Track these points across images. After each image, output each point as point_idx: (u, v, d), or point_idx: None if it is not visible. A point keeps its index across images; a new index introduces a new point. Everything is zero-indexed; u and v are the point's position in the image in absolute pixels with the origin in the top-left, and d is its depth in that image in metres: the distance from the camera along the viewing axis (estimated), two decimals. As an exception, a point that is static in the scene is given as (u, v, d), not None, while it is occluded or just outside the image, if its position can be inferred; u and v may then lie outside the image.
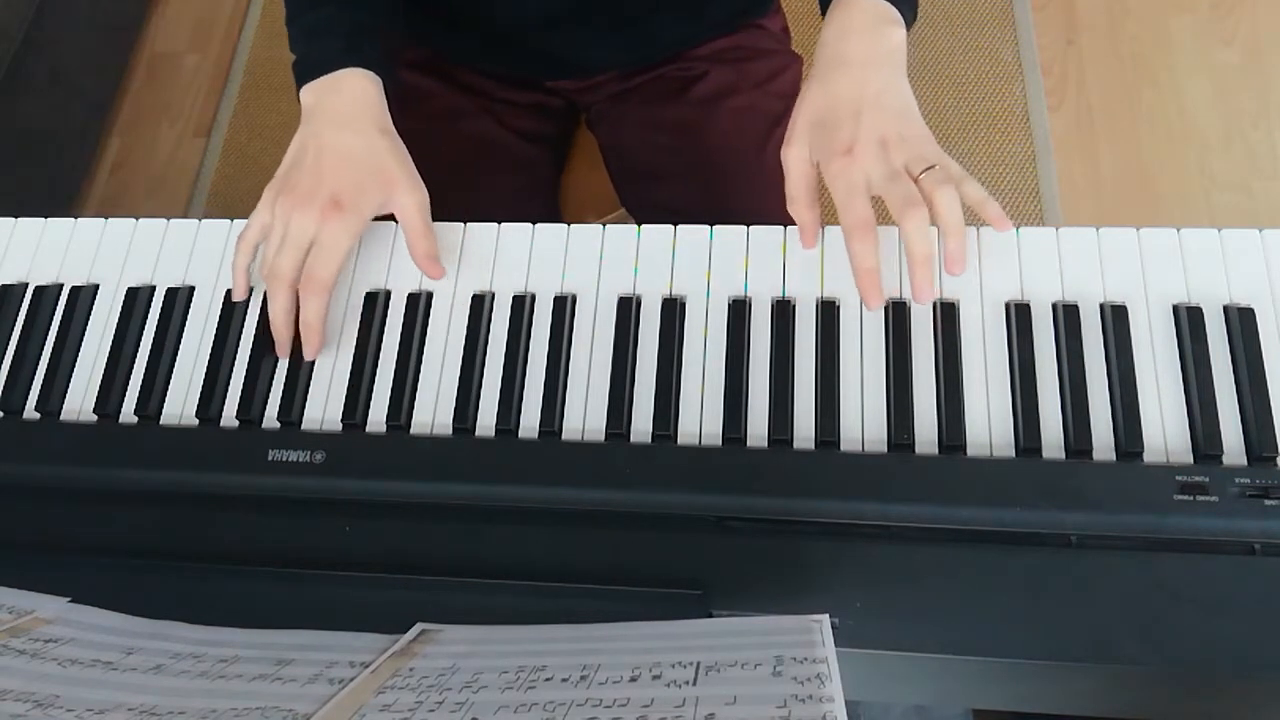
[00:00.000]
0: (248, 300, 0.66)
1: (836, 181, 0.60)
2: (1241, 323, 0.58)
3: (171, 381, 0.64)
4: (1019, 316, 0.59)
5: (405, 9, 0.87)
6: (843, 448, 0.57)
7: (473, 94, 0.89)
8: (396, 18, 0.74)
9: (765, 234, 0.65)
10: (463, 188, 0.83)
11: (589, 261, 0.64)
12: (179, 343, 0.66)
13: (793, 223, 0.65)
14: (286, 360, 0.63)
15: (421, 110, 0.89)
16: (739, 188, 0.87)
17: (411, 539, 0.56)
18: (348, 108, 0.66)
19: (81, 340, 0.67)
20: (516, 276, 0.65)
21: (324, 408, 0.62)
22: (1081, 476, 0.54)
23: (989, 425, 0.57)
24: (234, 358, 0.64)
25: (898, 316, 0.60)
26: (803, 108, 0.64)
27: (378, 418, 0.61)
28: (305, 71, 0.68)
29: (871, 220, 0.59)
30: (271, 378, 0.63)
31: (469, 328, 0.63)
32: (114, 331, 0.66)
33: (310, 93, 0.68)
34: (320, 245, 0.62)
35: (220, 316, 0.66)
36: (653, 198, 0.91)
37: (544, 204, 0.92)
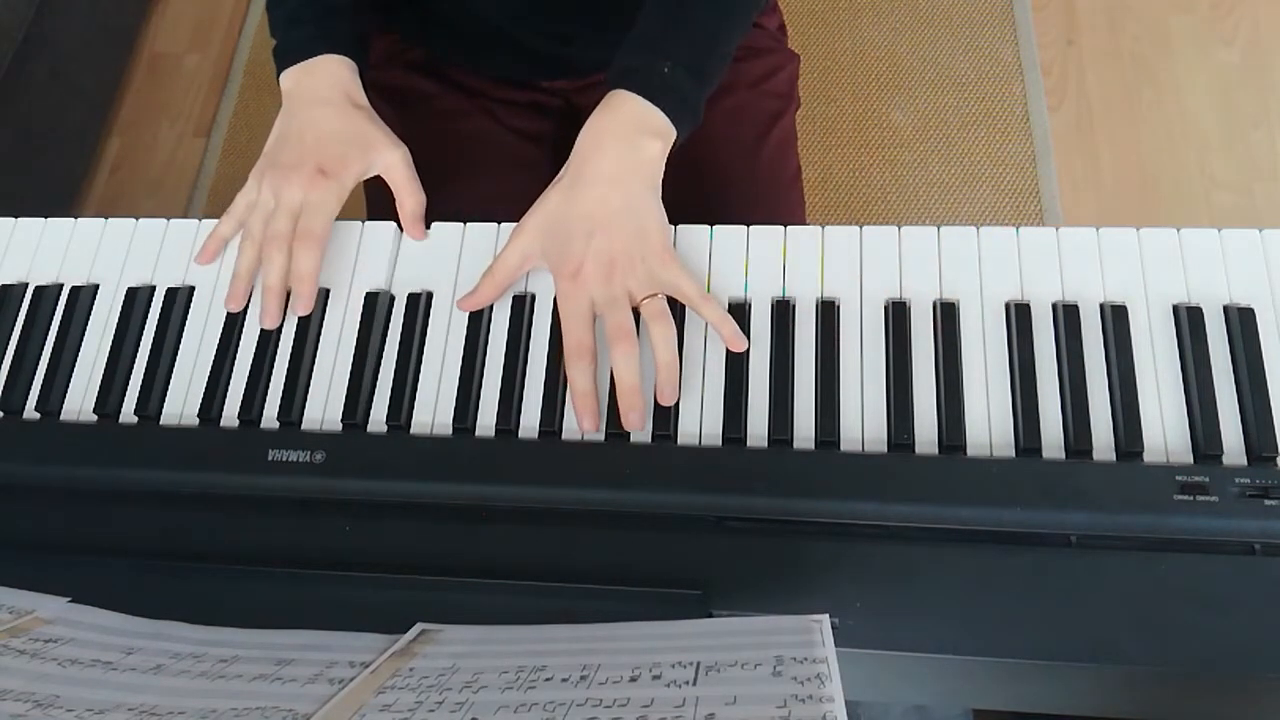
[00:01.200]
0: (248, 301, 0.66)
1: (563, 302, 0.61)
2: (1241, 323, 0.58)
3: (171, 381, 0.64)
4: (1019, 316, 0.59)
5: (400, 10, 0.87)
6: (843, 448, 0.57)
7: (471, 94, 0.89)
8: (367, 5, 0.77)
9: (765, 234, 0.65)
10: (462, 188, 0.83)
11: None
12: (179, 343, 0.66)
13: (791, 222, 0.65)
14: (276, 324, 0.64)
15: (420, 111, 0.89)
16: (735, 187, 0.87)
17: (411, 539, 0.56)
18: (323, 88, 0.70)
19: (81, 340, 0.67)
20: (516, 276, 0.65)
21: (324, 408, 0.62)
22: (1081, 476, 0.54)
23: (989, 425, 0.57)
24: (234, 357, 0.64)
25: (898, 316, 0.60)
26: (541, 208, 0.64)
27: (378, 418, 0.61)
28: (283, 58, 0.72)
29: (587, 346, 0.60)
30: (271, 378, 0.63)
31: (469, 328, 0.63)
32: (114, 331, 0.66)
33: (288, 78, 0.71)
34: (308, 206, 0.66)
35: (221, 316, 0.66)
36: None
37: None
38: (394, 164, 0.69)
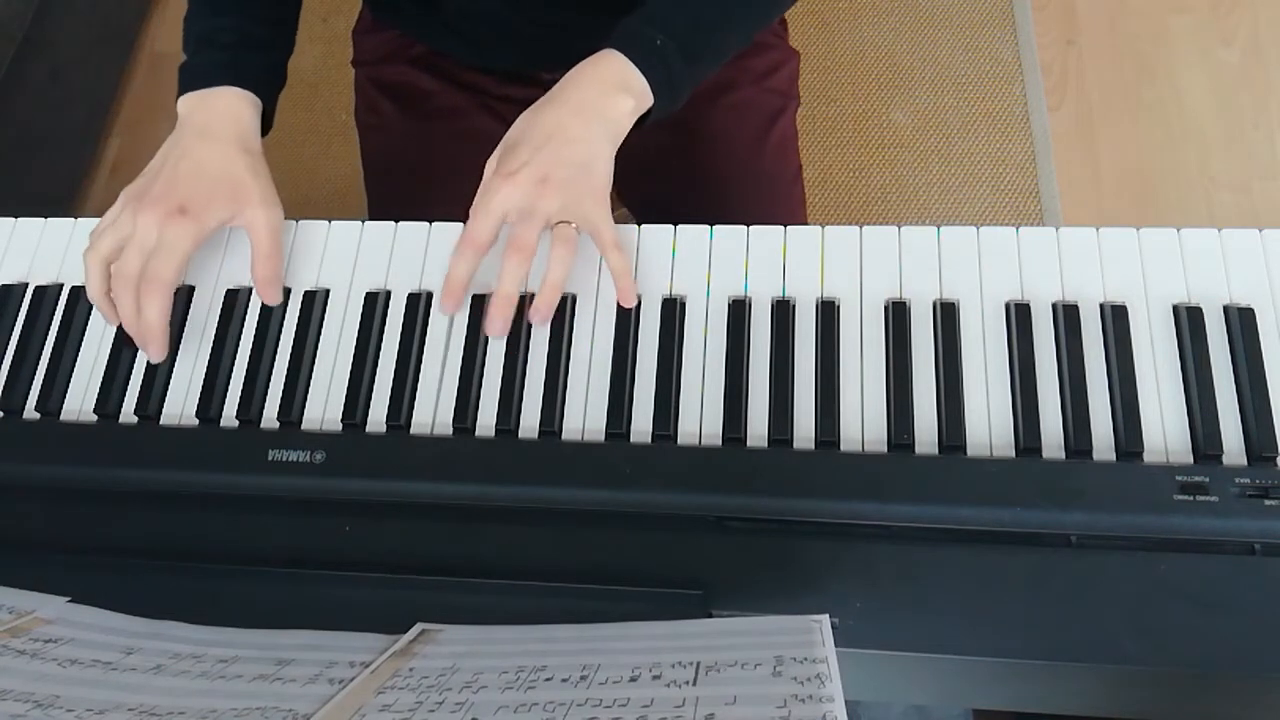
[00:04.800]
0: (247, 300, 0.66)
1: (485, 195, 0.62)
2: (1241, 323, 0.58)
3: (171, 381, 0.64)
4: (1019, 316, 0.59)
5: (401, 4, 0.86)
6: (843, 448, 0.57)
7: (471, 91, 0.89)
8: (291, 31, 0.77)
9: (765, 234, 0.65)
10: (462, 185, 0.83)
11: (588, 261, 0.64)
12: (179, 342, 0.65)
13: (792, 221, 0.65)
14: (161, 359, 0.64)
15: (421, 108, 0.89)
16: (736, 185, 0.87)
17: (411, 539, 0.56)
18: (215, 122, 0.68)
19: (81, 340, 0.67)
20: (516, 276, 0.65)
21: (324, 408, 0.62)
22: (1081, 476, 0.54)
23: (989, 425, 0.57)
24: (234, 357, 0.64)
25: (898, 316, 0.60)
26: (514, 125, 0.66)
27: (378, 418, 0.61)
28: (185, 82, 0.70)
29: (482, 244, 0.61)
30: (271, 378, 0.63)
31: (469, 328, 0.63)
32: (114, 331, 0.66)
33: (185, 103, 0.70)
34: (160, 247, 0.63)
35: (220, 316, 0.66)
36: (651, 195, 0.91)
37: None
38: (257, 223, 0.66)
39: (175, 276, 0.63)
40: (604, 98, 0.64)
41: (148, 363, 0.64)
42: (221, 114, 0.69)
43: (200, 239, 0.65)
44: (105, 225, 0.66)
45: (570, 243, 0.62)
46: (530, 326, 0.63)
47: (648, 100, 0.65)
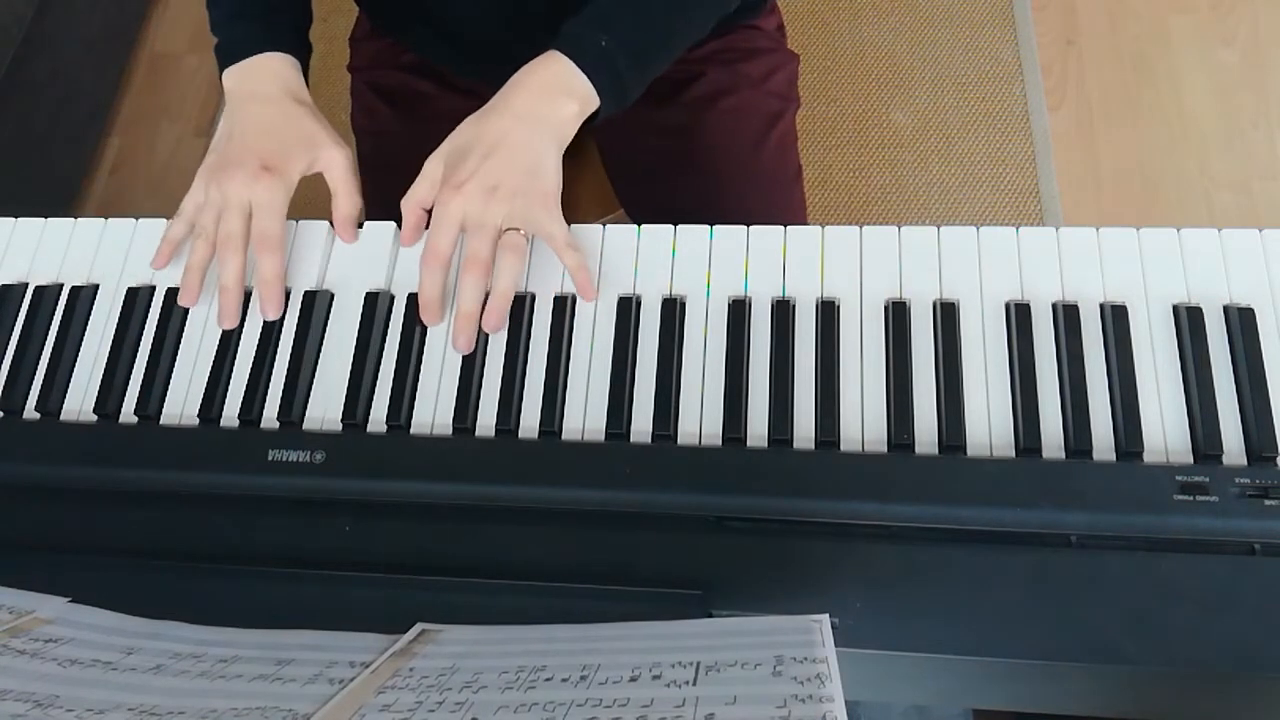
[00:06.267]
0: (246, 301, 0.66)
1: (438, 208, 0.63)
2: (1241, 323, 0.58)
3: (171, 381, 0.64)
4: (1019, 316, 0.59)
5: (396, 18, 0.86)
6: (843, 448, 0.57)
7: (469, 96, 0.89)
8: (309, 2, 0.78)
9: (765, 234, 0.65)
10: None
11: (589, 261, 0.64)
12: (179, 343, 0.65)
13: (793, 222, 0.65)
14: (234, 324, 0.65)
15: (419, 112, 0.89)
16: (736, 186, 0.87)
17: (411, 539, 0.56)
18: (265, 86, 0.71)
19: (81, 340, 0.67)
20: (516, 276, 0.65)
21: (324, 408, 0.62)
22: (1081, 476, 0.54)
23: (989, 425, 0.57)
24: (234, 357, 0.64)
25: (898, 316, 0.60)
26: (457, 130, 0.66)
27: (378, 418, 0.61)
28: (226, 57, 0.73)
29: (445, 254, 0.63)
30: (271, 378, 0.63)
31: (469, 328, 0.63)
32: (114, 331, 0.66)
33: (231, 77, 0.72)
34: (259, 207, 0.66)
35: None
36: (651, 198, 0.91)
37: None
38: (335, 161, 0.69)
39: (283, 232, 0.66)
40: (547, 103, 0.65)
41: (148, 363, 0.65)
42: (268, 76, 0.71)
43: (289, 193, 0.67)
44: (190, 206, 0.68)
45: (519, 250, 0.62)
46: (530, 327, 0.63)
47: (593, 103, 0.66)
